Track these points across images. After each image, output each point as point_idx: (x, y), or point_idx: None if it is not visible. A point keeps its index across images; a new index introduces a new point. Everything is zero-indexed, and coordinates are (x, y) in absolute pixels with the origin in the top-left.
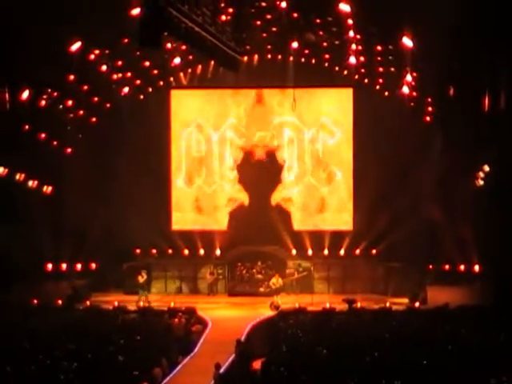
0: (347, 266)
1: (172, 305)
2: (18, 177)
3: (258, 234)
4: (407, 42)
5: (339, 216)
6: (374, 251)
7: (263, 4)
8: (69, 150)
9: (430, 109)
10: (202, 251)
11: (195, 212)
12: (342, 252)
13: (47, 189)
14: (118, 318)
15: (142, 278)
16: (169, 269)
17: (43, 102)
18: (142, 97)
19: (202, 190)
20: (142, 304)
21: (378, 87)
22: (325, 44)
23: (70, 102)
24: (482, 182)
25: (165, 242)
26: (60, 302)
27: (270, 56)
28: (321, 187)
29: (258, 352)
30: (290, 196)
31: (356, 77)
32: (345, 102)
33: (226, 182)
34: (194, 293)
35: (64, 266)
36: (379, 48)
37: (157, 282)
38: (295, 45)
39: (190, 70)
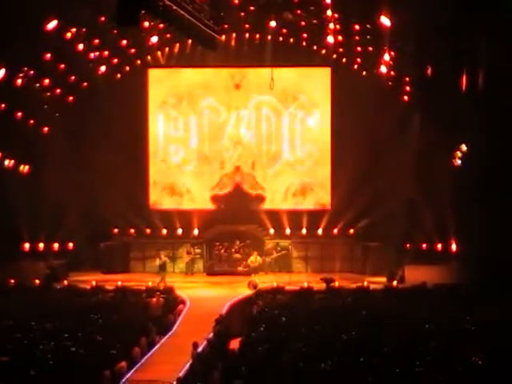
0: (325, 245)
1: (150, 284)
2: None
3: (235, 214)
4: (385, 21)
5: (317, 195)
6: (351, 230)
7: None
8: (45, 128)
9: (408, 88)
10: (179, 231)
11: (171, 191)
12: (319, 231)
13: (24, 168)
14: (96, 297)
15: (160, 260)
16: (147, 248)
17: (19, 81)
18: (119, 76)
19: (179, 170)
20: (162, 286)
21: (356, 66)
22: (303, 23)
23: (46, 81)
24: (459, 162)
25: (142, 221)
26: (37, 281)
27: (247, 35)
28: (299, 166)
29: (236, 331)
30: (268, 175)
31: (334, 56)
32: (323, 81)
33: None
34: (172, 272)
35: (41, 245)
36: (357, 27)
37: (135, 261)
38: (273, 24)
39: (167, 49)
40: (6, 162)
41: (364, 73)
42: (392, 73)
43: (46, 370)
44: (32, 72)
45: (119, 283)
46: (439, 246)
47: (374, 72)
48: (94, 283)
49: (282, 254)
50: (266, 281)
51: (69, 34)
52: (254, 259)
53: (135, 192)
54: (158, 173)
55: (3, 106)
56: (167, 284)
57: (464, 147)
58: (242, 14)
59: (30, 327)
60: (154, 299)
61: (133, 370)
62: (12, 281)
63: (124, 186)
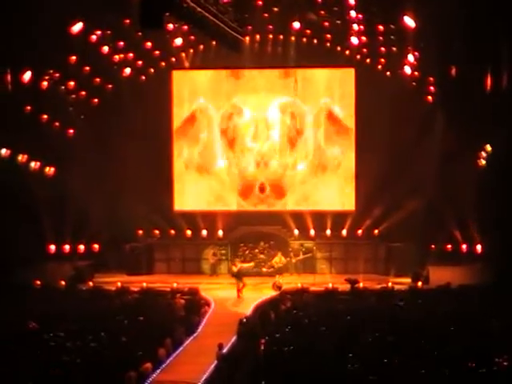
0: (349, 246)
1: (175, 285)
2: (20, 158)
3: (260, 215)
4: (409, 21)
5: (341, 197)
6: (376, 231)
7: None
8: (71, 131)
9: (432, 88)
10: (204, 232)
11: (198, 194)
12: (344, 232)
13: (49, 170)
14: (121, 298)
15: (235, 268)
16: (171, 250)
17: (45, 83)
18: (143, 78)
19: (205, 172)
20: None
21: (380, 67)
22: (326, 24)
23: (71, 83)
24: (484, 162)
25: (167, 223)
26: (63, 283)
27: (271, 36)
28: (323, 167)
29: (261, 332)
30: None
31: (358, 57)
32: (347, 82)
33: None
34: (197, 273)
35: (66, 247)
36: (381, 28)
37: (160, 263)
38: (297, 25)
39: (191, 51)
40: (32, 164)
41: (388, 73)
42: (416, 73)
43: (71, 370)
44: (57, 74)
45: (144, 284)
46: (464, 246)
47: (397, 72)
48: (119, 284)
49: (308, 256)
50: (291, 282)
51: (94, 37)
52: (279, 260)
53: (160, 193)
54: (183, 175)
55: (29, 108)
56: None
57: (488, 147)
58: (266, 15)
59: (56, 329)
60: (178, 300)
61: (158, 371)
62: (38, 282)
63: (149, 188)
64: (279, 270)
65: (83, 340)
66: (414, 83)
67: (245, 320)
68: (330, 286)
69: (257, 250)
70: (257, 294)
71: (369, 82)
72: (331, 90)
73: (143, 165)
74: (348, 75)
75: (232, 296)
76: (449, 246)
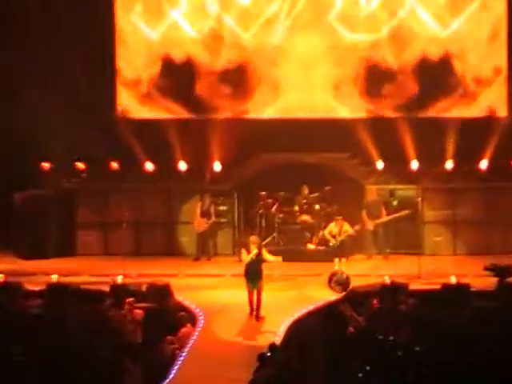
0: (494, 193)
1: (119, 279)
2: None
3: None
4: None
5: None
6: None
7: None
8: None
9: None
10: (182, 165)
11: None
12: (483, 164)
13: None
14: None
15: (246, 253)
16: (112, 204)
17: None
18: None
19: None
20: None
21: None
22: None
23: None
24: None
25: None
26: None
27: None
28: None
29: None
30: None
31: None
32: None
33: None
34: (169, 255)
35: None
36: None
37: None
38: None
39: None
40: None
41: None
42: None
43: None
44: None
45: (53, 278)
46: None
47: None
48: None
49: (402, 215)
50: (369, 272)
51: None
52: (340, 229)
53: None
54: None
55: None
56: None
57: None
58: None
59: None
60: (135, 311)
61: None
62: None
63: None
64: (342, 248)
65: None
66: None
67: (271, 352)
68: (454, 279)
69: (296, 207)
70: (295, 297)
71: None
72: None
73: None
74: None
75: (241, 303)
76: None
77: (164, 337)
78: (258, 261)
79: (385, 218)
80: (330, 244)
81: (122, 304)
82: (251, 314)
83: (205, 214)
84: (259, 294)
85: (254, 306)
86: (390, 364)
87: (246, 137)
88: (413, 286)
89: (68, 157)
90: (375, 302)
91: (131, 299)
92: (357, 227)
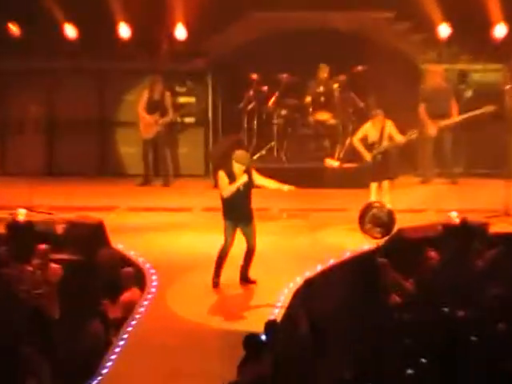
0: None
1: (21, 214)
2: None
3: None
4: None
5: None
6: None
7: None
8: None
9: None
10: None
11: None
12: None
13: None
14: None
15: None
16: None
17: None
18: None
19: None
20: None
21: None
22: None
23: None
24: None
25: None
26: None
27: None
28: None
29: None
30: None
31: None
32: None
33: None
34: (103, 175)
35: None
36: None
37: None
38: None
39: None
40: None
41: None
42: None
43: None
44: None
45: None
46: None
47: None
48: None
49: (480, 113)
50: (420, 207)
51: None
52: (381, 132)
53: None
54: None
55: None
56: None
57: None
58: None
59: None
60: (52, 266)
61: None
62: None
63: None
64: (383, 164)
65: None
66: None
67: (263, 338)
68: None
69: (308, 99)
70: (300, 252)
71: None
72: None
73: None
74: None
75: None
76: None
77: (93, 309)
78: (246, 192)
79: (455, 118)
80: (366, 159)
81: (27, 255)
82: (217, 276)
83: (156, 109)
84: (249, 245)
85: (241, 264)
86: (459, 355)
87: None
88: (496, 228)
89: None
90: (434, 253)
91: (42, 247)
92: (410, 133)
